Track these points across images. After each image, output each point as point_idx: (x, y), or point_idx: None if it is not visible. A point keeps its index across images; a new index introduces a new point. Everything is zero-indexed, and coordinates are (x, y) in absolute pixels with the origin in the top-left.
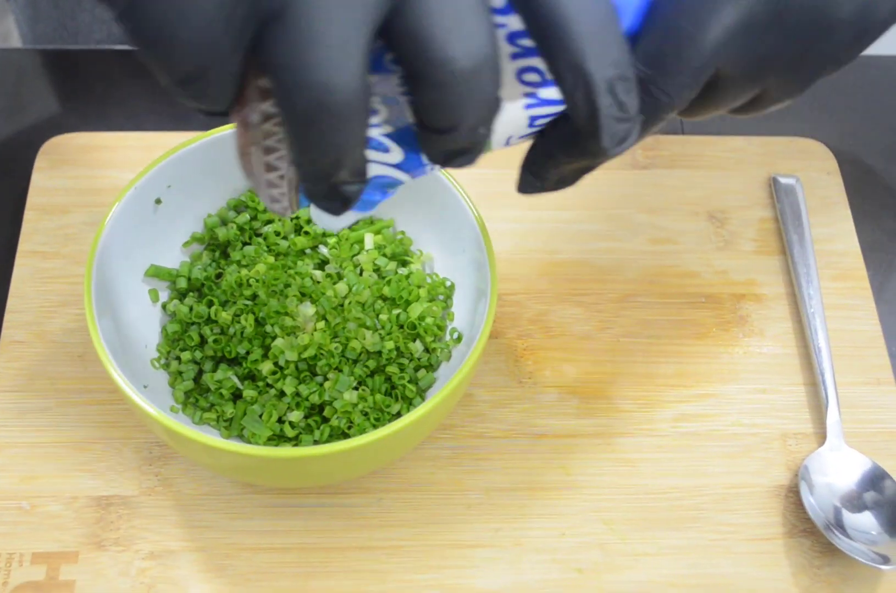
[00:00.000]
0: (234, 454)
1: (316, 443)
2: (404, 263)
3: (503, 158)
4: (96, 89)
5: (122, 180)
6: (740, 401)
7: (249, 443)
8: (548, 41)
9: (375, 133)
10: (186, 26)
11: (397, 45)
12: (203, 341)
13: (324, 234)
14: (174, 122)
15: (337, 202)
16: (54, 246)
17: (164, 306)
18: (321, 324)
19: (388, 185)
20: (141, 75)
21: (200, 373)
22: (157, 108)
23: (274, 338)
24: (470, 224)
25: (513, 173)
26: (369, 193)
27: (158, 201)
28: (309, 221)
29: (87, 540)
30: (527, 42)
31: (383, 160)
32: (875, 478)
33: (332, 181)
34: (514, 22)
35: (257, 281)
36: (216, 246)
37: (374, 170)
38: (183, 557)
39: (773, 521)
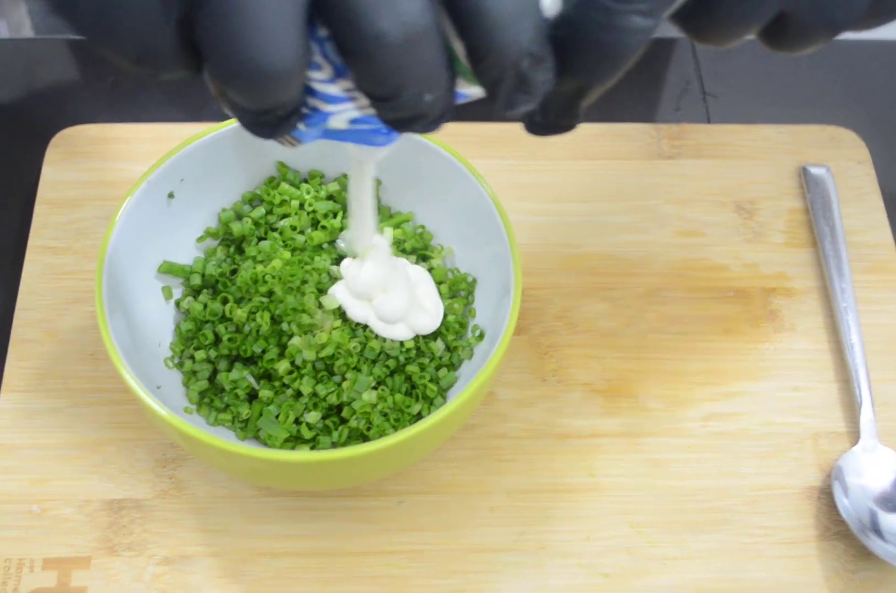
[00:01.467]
0: (249, 458)
1: (334, 444)
2: (424, 258)
3: (526, 149)
4: (108, 80)
5: (135, 173)
6: (771, 399)
7: (266, 444)
8: (460, 20)
9: (334, 89)
10: (122, 14)
11: (327, 19)
12: (218, 340)
13: (341, 229)
14: (188, 114)
15: (274, 129)
16: (66, 241)
17: (177, 303)
18: (339, 323)
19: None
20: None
21: (215, 372)
22: (171, 99)
23: (290, 336)
24: (492, 217)
25: (538, 164)
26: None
27: (171, 195)
28: (326, 215)
29: (100, 545)
30: None
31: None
32: None
33: (272, 113)
34: None
35: (273, 277)
36: (231, 241)
37: (344, 121)
38: (198, 562)
39: (806, 524)
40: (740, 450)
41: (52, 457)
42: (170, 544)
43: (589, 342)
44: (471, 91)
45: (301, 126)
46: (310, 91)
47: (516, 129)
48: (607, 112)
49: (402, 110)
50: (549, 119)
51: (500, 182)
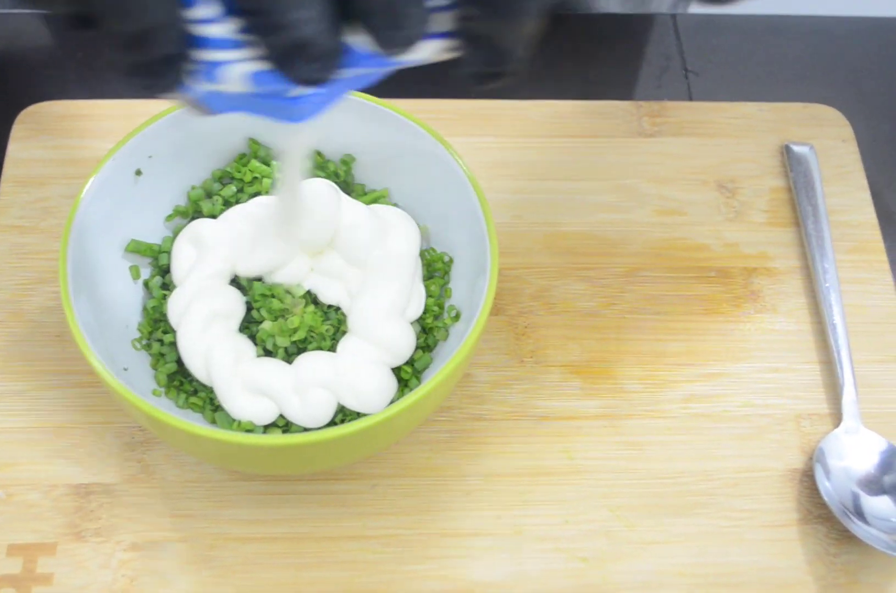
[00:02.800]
0: (218, 442)
1: (306, 429)
2: None
3: (503, 126)
4: (76, 56)
5: (103, 150)
6: (752, 380)
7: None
8: None
9: (219, 30)
10: None
11: None
12: None
13: None
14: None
15: (156, 77)
16: (32, 220)
17: (145, 283)
18: (311, 307)
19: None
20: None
21: None
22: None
23: (261, 322)
24: (468, 195)
25: (516, 141)
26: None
27: (139, 172)
28: None
29: (66, 531)
30: None
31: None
32: (894, 461)
33: (146, 48)
34: None
35: None
36: None
37: (241, 79)
38: (167, 548)
39: (787, 507)
40: (721, 432)
41: (18, 441)
42: (138, 529)
43: (567, 322)
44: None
45: (193, 82)
46: (195, 43)
47: (493, 106)
48: (586, 89)
49: (272, 31)
50: (483, 67)
51: (477, 160)
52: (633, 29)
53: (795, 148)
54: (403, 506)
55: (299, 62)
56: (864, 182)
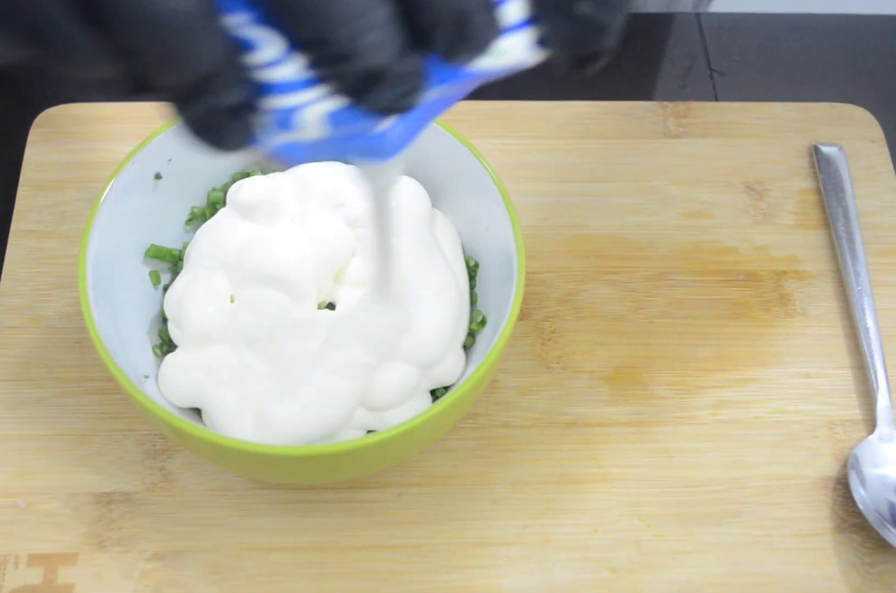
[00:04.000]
0: (242, 451)
1: None
2: None
3: (527, 128)
4: None
5: (122, 154)
6: (783, 386)
7: None
8: None
9: (287, 71)
10: None
11: None
12: None
13: None
14: None
15: (223, 133)
16: (50, 224)
17: (165, 289)
18: None
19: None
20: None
21: None
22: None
23: None
24: (494, 198)
25: (540, 143)
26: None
27: (158, 176)
28: None
29: (88, 541)
30: None
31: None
32: None
33: (208, 100)
34: None
35: None
36: None
37: (319, 121)
38: (189, 558)
39: (821, 516)
40: (752, 439)
41: (37, 449)
42: (160, 539)
43: (594, 327)
44: (487, 63)
45: (266, 135)
46: (262, 90)
47: (517, 107)
48: (610, 90)
49: (343, 61)
50: (582, 45)
51: (500, 162)
52: (656, 28)
53: (824, 148)
54: (429, 515)
55: (378, 91)
56: (895, 183)
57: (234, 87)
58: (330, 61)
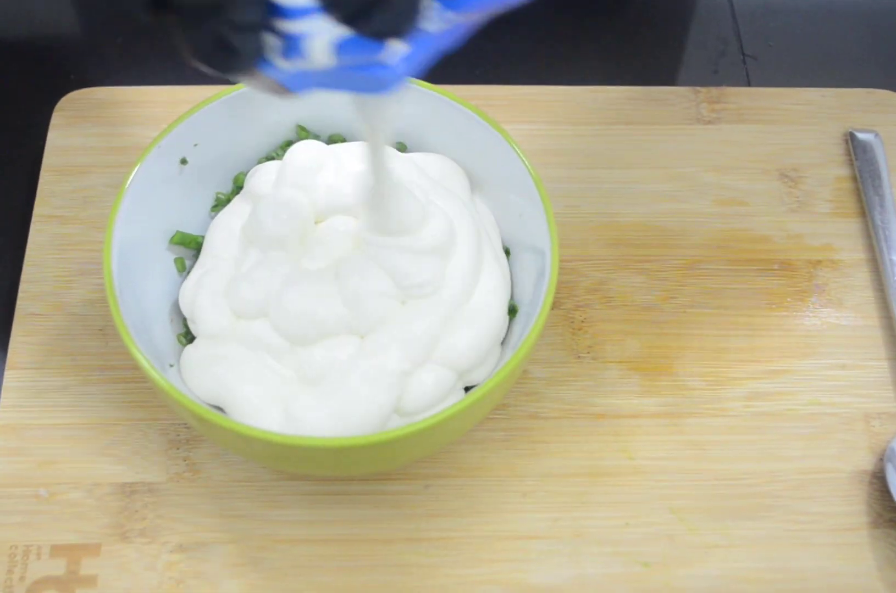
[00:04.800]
0: (269, 442)
1: None
2: None
3: (556, 113)
4: (117, 41)
5: (146, 138)
6: (818, 377)
7: None
8: None
9: None
10: None
11: None
12: None
13: None
14: (200, 76)
15: (234, 52)
16: (73, 210)
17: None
18: None
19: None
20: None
21: None
22: (182, 61)
23: None
24: (527, 185)
25: (569, 129)
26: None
27: (184, 161)
28: None
29: (111, 531)
30: None
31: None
32: None
33: (223, 17)
34: None
35: None
36: None
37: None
38: (214, 550)
39: (856, 510)
40: (786, 432)
41: (60, 438)
42: (184, 530)
43: (626, 317)
44: None
45: (275, 60)
46: (274, 12)
47: (546, 92)
48: (642, 75)
49: None
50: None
51: (529, 148)
52: (688, 12)
53: (860, 135)
54: (457, 508)
55: (378, 14)
56: None
57: (248, 6)
58: None
